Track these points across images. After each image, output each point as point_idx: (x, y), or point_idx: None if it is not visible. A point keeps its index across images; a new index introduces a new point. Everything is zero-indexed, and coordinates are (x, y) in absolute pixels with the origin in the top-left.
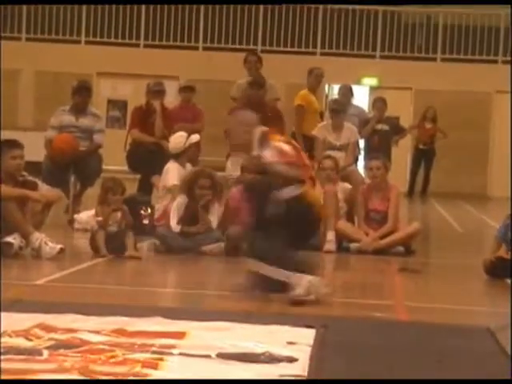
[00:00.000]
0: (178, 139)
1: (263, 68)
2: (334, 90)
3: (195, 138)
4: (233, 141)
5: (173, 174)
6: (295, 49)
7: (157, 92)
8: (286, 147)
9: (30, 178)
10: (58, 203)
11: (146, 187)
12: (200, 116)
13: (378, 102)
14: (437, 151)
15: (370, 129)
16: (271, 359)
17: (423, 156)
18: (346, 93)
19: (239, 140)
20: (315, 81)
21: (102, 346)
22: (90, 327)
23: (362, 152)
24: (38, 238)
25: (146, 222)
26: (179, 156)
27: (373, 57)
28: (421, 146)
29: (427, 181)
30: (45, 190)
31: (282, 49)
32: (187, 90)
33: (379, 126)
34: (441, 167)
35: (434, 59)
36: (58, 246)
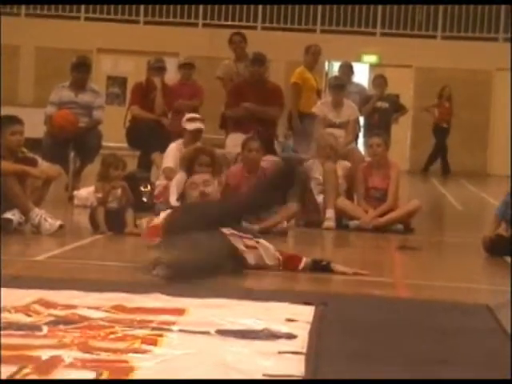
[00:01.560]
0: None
1: (263, 45)
2: (333, 68)
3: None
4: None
5: (170, 155)
6: (295, 26)
7: (157, 69)
8: None
9: (30, 154)
10: (57, 179)
11: (146, 164)
12: (199, 93)
13: (378, 80)
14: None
15: (370, 107)
16: (270, 336)
17: (447, 134)
18: (347, 71)
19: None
20: (312, 58)
21: (101, 322)
22: (89, 303)
23: (362, 130)
24: (37, 214)
25: (145, 198)
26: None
27: (373, 34)
28: (444, 125)
29: (445, 160)
30: (45, 166)
31: (282, 26)
32: (187, 66)
33: (379, 104)
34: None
35: (435, 37)
36: (58, 223)
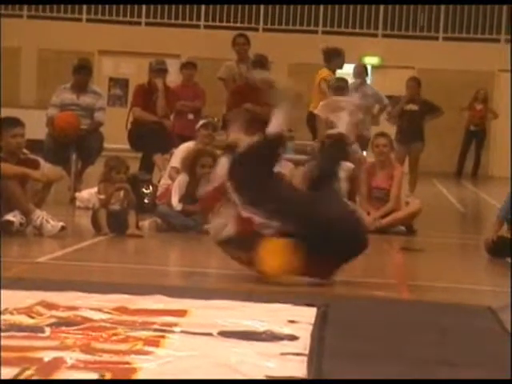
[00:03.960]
0: None
1: (265, 47)
2: None
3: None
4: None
5: (178, 156)
6: (297, 27)
7: (159, 70)
8: None
9: (32, 156)
10: (59, 181)
11: (148, 166)
12: (201, 95)
13: (410, 82)
14: (486, 132)
15: (399, 109)
16: (272, 337)
17: (474, 137)
18: (361, 72)
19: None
20: (340, 63)
21: (103, 324)
22: (91, 305)
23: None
24: (39, 215)
25: (147, 200)
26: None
27: (375, 35)
28: (472, 128)
29: (478, 162)
30: (47, 168)
31: (283, 27)
32: (189, 66)
33: (408, 107)
34: (443, 147)
35: (437, 38)
36: (60, 224)
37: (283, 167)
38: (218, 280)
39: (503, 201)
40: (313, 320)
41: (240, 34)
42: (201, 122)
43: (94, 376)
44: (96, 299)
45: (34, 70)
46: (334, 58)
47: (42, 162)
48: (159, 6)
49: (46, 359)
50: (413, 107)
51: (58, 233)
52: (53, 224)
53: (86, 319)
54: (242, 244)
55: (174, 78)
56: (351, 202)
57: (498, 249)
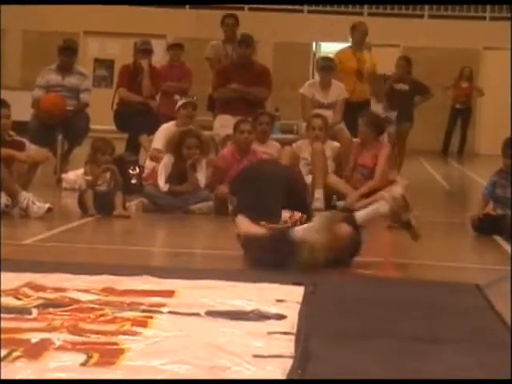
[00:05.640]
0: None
1: (251, 26)
2: (321, 48)
3: (185, 100)
4: None
5: (160, 137)
6: (282, 6)
7: (145, 51)
8: None
9: (18, 137)
10: (45, 162)
11: (134, 146)
12: (188, 75)
13: (400, 61)
14: (472, 110)
15: (387, 88)
16: (260, 317)
17: (460, 115)
18: None
19: None
20: (359, 38)
21: (91, 305)
22: (79, 286)
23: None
24: (25, 197)
25: (133, 181)
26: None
27: (360, 14)
28: (457, 106)
29: (464, 140)
30: (33, 149)
31: (269, 6)
32: (175, 47)
33: (398, 86)
34: (429, 125)
35: (422, 16)
36: (46, 206)
37: (270, 147)
38: (205, 260)
39: (489, 178)
40: (300, 299)
41: (229, 14)
42: (180, 102)
43: (81, 357)
44: (83, 280)
45: (19, 51)
46: (351, 33)
47: (27, 143)
48: None
49: (34, 341)
50: (403, 87)
51: (44, 214)
52: (39, 205)
53: (74, 300)
54: None
55: (159, 58)
56: (339, 178)
57: (483, 226)
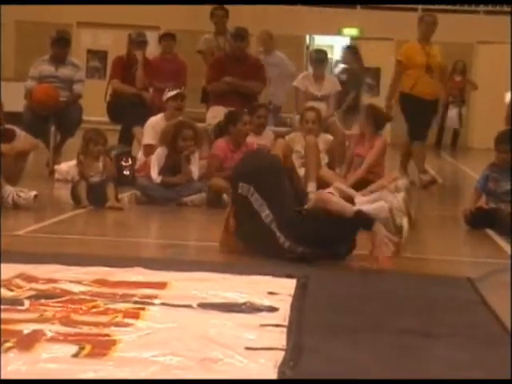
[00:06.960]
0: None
1: (242, 20)
2: (314, 41)
3: (174, 92)
4: None
5: (149, 130)
6: None
7: (139, 43)
8: None
9: (8, 125)
10: (35, 151)
11: (127, 138)
12: (182, 70)
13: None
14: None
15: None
16: (252, 309)
17: (453, 108)
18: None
19: None
20: (426, 30)
21: (83, 296)
22: (71, 277)
23: None
24: (9, 192)
25: (126, 172)
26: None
27: (354, 7)
28: (451, 99)
29: (457, 133)
30: (23, 136)
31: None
32: (167, 37)
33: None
34: None
35: (416, 9)
36: (33, 193)
37: (264, 138)
38: (197, 252)
39: (482, 172)
40: (292, 291)
41: (219, 6)
42: (168, 94)
43: (73, 348)
44: (75, 272)
45: (12, 42)
46: (418, 25)
47: (18, 131)
48: None
49: (26, 332)
50: (341, 76)
51: (35, 204)
52: (24, 196)
53: (66, 292)
54: None
55: (153, 50)
56: (332, 172)
57: (476, 220)
